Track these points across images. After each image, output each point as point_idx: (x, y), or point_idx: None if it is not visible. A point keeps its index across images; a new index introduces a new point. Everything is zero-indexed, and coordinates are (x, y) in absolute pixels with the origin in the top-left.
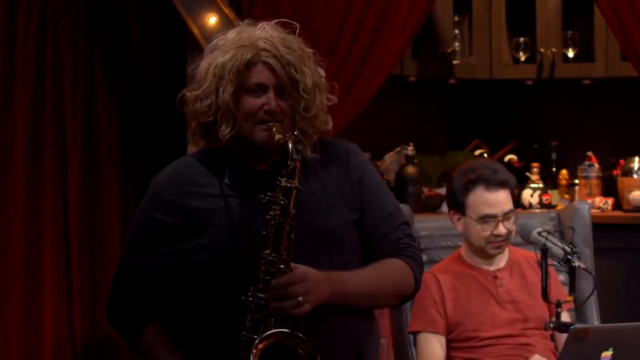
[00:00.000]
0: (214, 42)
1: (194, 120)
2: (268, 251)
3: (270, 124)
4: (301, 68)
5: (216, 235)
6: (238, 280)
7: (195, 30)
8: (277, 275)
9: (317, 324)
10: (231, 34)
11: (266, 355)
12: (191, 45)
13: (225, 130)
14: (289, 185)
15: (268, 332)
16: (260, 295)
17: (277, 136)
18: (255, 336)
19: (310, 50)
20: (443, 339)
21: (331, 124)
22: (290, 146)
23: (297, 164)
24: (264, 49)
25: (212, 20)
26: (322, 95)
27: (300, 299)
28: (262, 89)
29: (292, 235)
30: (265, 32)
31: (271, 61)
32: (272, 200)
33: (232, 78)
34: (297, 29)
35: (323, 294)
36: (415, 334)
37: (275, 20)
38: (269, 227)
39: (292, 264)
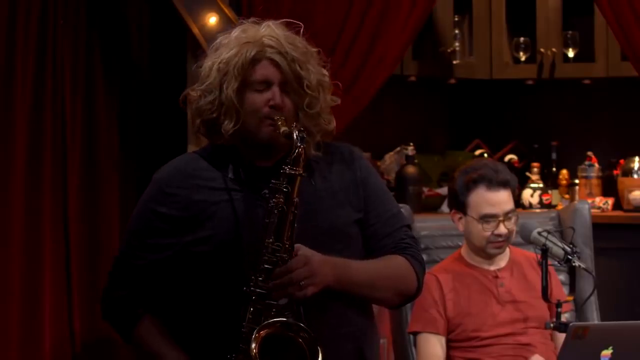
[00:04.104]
0: (218, 41)
1: (198, 118)
2: (271, 240)
3: (276, 118)
4: (305, 65)
5: (219, 228)
6: (239, 274)
7: (195, 30)
8: (280, 264)
9: (318, 319)
10: (235, 32)
11: (266, 344)
12: (191, 45)
13: (228, 125)
14: (293, 172)
15: (269, 321)
16: (262, 284)
17: (283, 128)
18: (256, 327)
19: (314, 49)
20: (443, 339)
21: (334, 123)
22: (295, 134)
23: (302, 151)
24: (269, 46)
25: (212, 20)
26: (326, 94)
27: (302, 283)
28: (266, 84)
29: (295, 225)
30: (270, 30)
31: (276, 57)
32: (275, 188)
33: (237, 74)
34: (300, 29)
35: (328, 277)
36: (415, 334)
37: (280, 21)
38: (271, 216)
39: (296, 245)
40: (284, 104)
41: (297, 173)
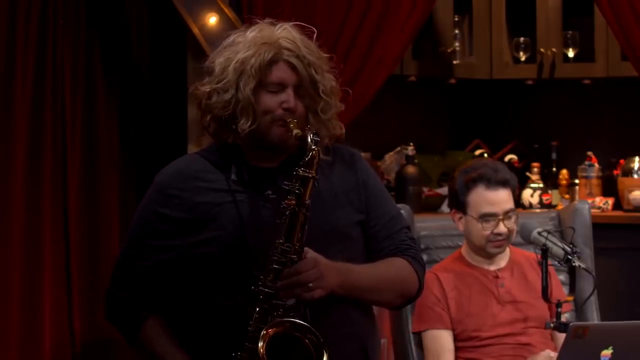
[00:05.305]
0: (231, 38)
1: (209, 114)
2: (281, 240)
3: (288, 120)
4: (321, 70)
5: (224, 229)
6: (245, 274)
7: (195, 30)
8: (289, 265)
9: (322, 319)
10: (251, 32)
11: (273, 343)
12: (191, 45)
13: (244, 125)
14: (306, 174)
15: (278, 320)
16: (270, 284)
17: (295, 131)
18: (263, 326)
19: (327, 55)
20: (451, 334)
21: (343, 129)
22: (309, 137)
23: (316, 154)
24: (287, 48)
25: (212, 20)
26: (336, 100)
27: (310, 285)
28: (281, 86)
29: (306, 227)
30: (286, 32)
31: (293, 60)
32: (288, 190)
33: (254, 73)
34: (314, 34)
35: (333, 281)
36: (421, 333)
37: (292, 23)
38: (283, 217)
39: (304, 249)
40: (296, 107)
41: (310, 176)
